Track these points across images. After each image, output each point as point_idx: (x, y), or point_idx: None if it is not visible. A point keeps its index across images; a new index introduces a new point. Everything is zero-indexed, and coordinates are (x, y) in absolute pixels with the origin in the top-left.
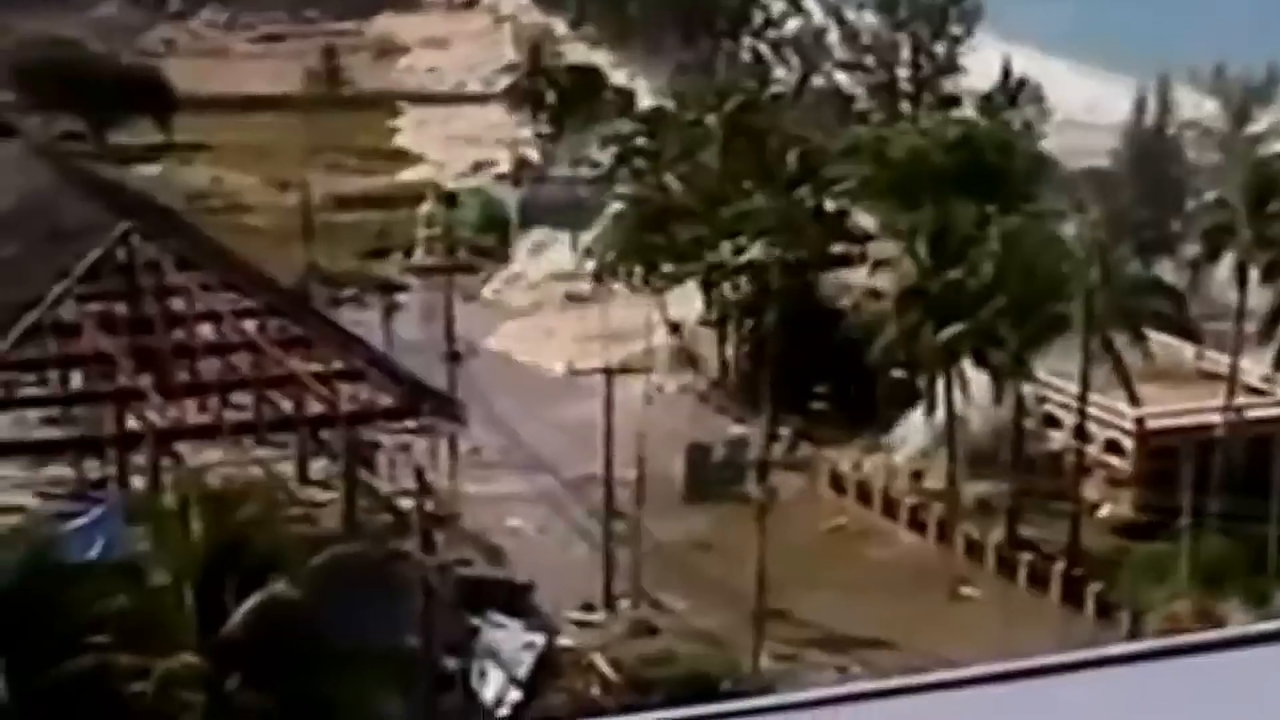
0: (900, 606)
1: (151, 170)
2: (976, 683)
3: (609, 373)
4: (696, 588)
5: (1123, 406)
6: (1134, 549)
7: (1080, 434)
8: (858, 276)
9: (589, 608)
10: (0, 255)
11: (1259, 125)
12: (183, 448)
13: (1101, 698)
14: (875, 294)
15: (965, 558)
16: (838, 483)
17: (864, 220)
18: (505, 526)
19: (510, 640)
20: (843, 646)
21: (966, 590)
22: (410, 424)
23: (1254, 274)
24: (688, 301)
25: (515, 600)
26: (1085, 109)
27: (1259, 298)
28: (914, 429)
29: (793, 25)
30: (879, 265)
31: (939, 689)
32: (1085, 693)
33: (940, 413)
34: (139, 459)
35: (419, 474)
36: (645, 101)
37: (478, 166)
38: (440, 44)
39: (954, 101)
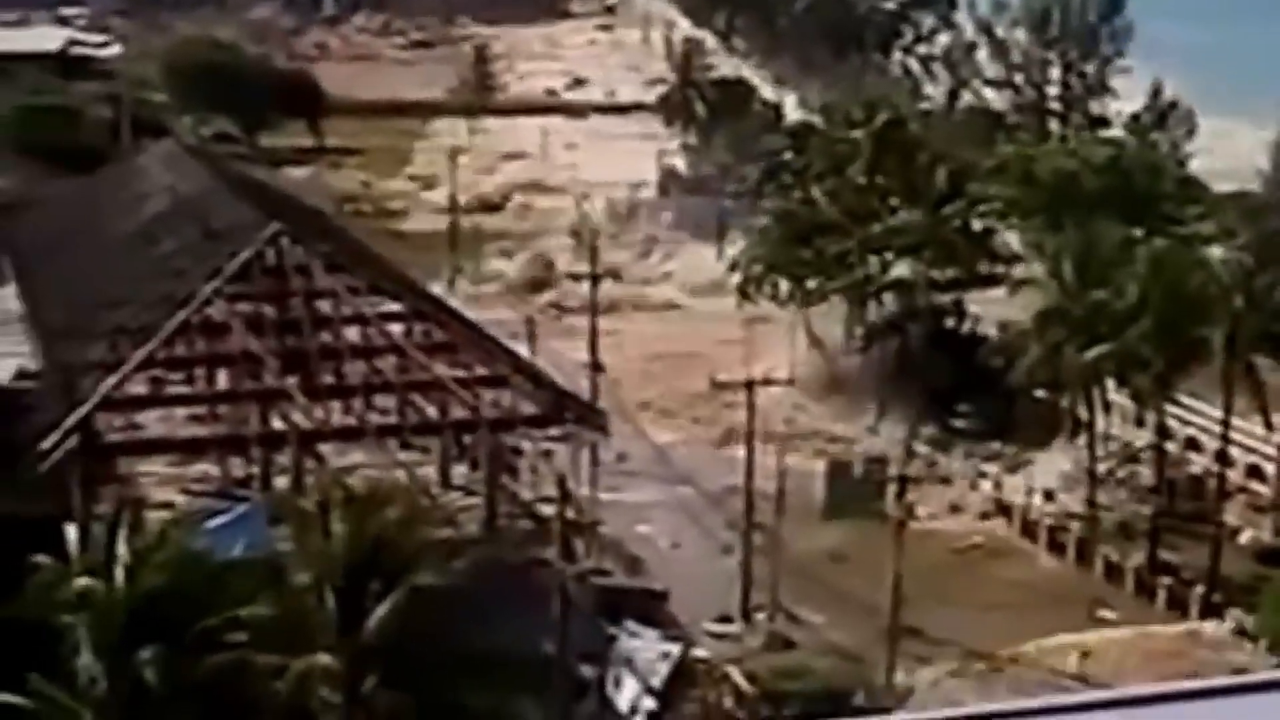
0: (1036, 627)
1: (301, 173)
2: (1063, 712)
3: (751, 385)
4: (832, 602)
5: (1265, 432)
6: (1275, 576)
7: (1222, 458)
8: (1002, 296)
9: (726, 619)
10: (154, 253)
11: None
12: (326, 449)
13: None
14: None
15: (1104, 580)
16: (979, 500)
17: (1011, 239)
18: (639, 534)
19: (646, 650)
20: (974, 663)
21: (1104, 613)
22: (553, 431)
23: None
24: (834, 317)
25: (651, 610)
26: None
27: None
28: (1056, 450)
29: (943, 41)
30: (1021, 284)
31: (1027, 715)
32: None
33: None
34: (283, 459)
35: (560, 481)
36: (793, 115)
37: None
38: (589, 54)
39: (1103, 122)
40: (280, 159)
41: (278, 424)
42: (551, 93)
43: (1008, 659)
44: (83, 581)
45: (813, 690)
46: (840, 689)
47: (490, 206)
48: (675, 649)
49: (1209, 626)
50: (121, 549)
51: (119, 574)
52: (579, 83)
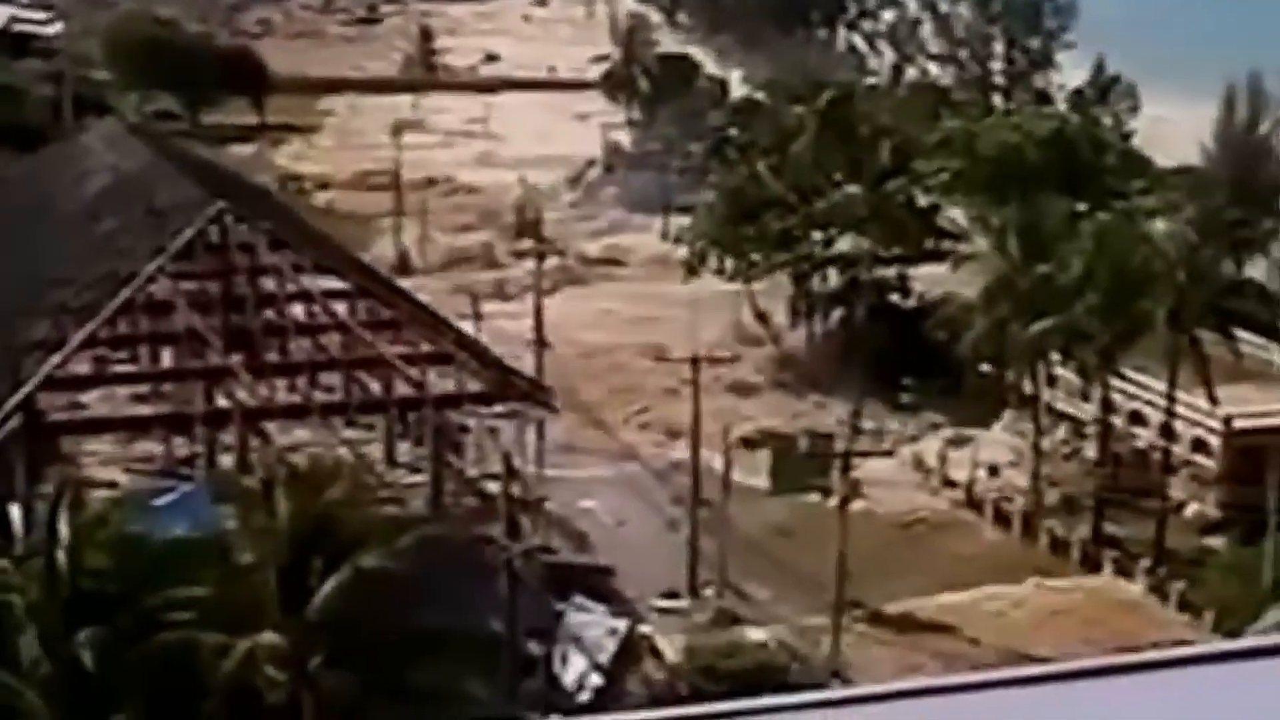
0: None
1: (245, 150)
2: (1011, 684)
3: (696, 361)
4: (779, 577)
5: (1209, 405)
6: (1219, 549)
7: (1167, 432)
8: (946, 271)
9: (673, 595)
10: (98, 231)
11: None
12: (271, 427)
13: (1127, 703)
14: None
15: (1050, 553)
16: (924, 475)
17: (955, 214)
18: (584, 510)
19: (593, 626)
20: (918, 635)
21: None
22: (499, 408)
23: None
24: (779, 293)
25: (598, 586)
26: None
27: None
28: (1002, 424)
29: (888, 16)
30: (965, 259)
31: (971, 690)
32: (1115, 697)
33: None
34: (227, 437)
35: (506, 459)
36: (738, 92)
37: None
38: (534, 30)
39: (1046, 97)
40: (223, 136)
41: (222, 402)
42: (494, 64)
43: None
44: (24, 561)
45: (746, 668)
46: (777, 665)
47: (433, 182)
48: (622, 625)
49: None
50: (63, 529)
51: (60, 554)
52: (523, 59)
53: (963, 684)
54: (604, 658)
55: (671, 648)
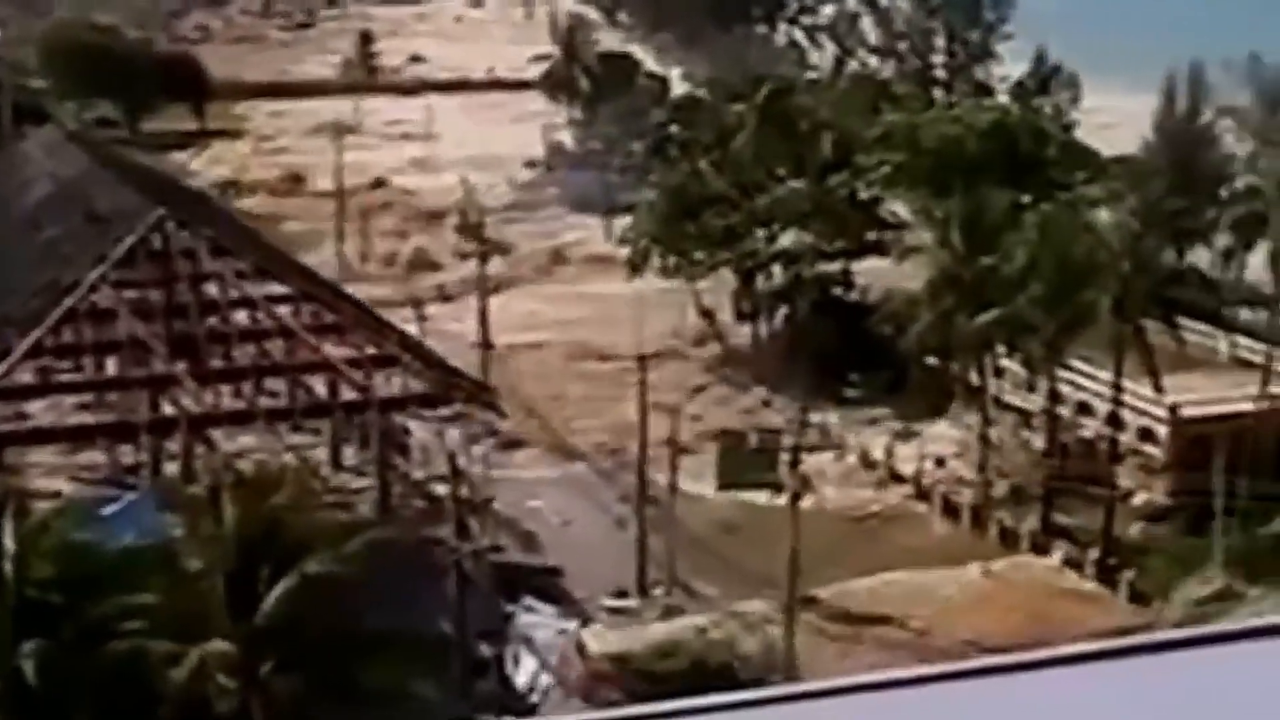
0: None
1: (184, 156)
2: (985, 674)
3: (642, 359)
4: (729, 574)
5: (1155, 394)
6: (1167, 537)
7: (1114, 421)
8: (890, 265)
9: (623, 594)
10: (38, 240)
11: None
12: (216, 434)
13: (1105, 690)
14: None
15: (999, 544)
16: (872, 469)
17: (898, 208)
18: (528, 510)
19: (543, 627)
20: (868, 629)
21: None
22: (444, 411)
23: None
24: (722, 289)
25: (547, 586)
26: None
27: None
28: (949, 417)
29: (828, 11)
30: (908, 252)
31: (948, 680)
32: (1088, 685)
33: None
34: (173, 445)
35: (452, 460)
36: (679, 89)
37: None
38: (472, 32)
39: (987, 89)
40: (163, 143)
41: (167, 410)
42: (428, 66)
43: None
44: None
45: (685, 668)
46: (720, 663)
47: (376, 185)
48: (573, 625)
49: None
50: (8, 539)
51: (6, 565)
52: (462, 61)
53: (940, 674)
54: (555, 658)
55: (602, 646)
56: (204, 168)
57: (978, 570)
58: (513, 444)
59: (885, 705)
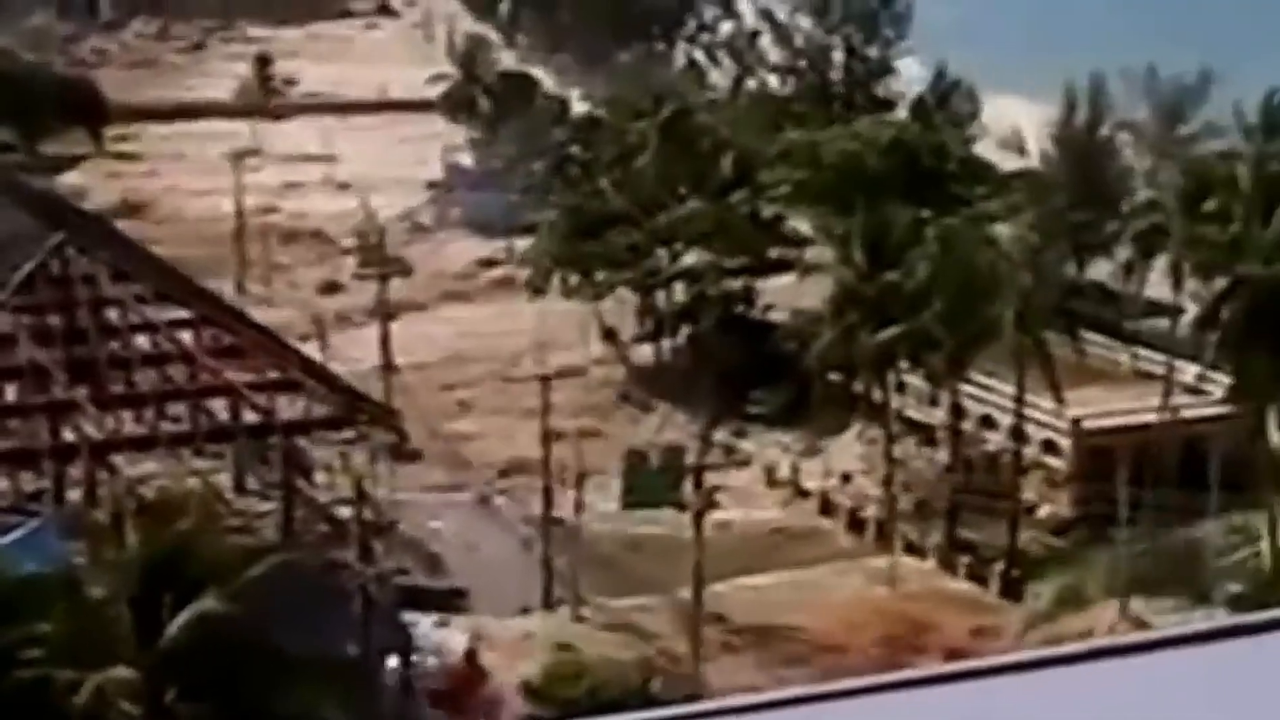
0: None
1: (83, 180)
2: (957, 679)
3: (545, 379)
4: (635, 592)
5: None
6: (1069, 550)
7: (1017, 435)
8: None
9: (527, 612)
10: None
11: (1191, 126)
12: (119, 460)
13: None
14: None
15: (906, 558)
16: (777, 486)
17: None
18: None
19: (448, 648)
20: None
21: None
22: (347, 433)
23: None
24: (626, 310)
25: (453, 607)
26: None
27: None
28: (853, 432)
29: (726, 29)
30: (810, 269)
31: (920, 685)
32: (1046, 689)
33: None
34: (75, 471)
35: (357, 484)
36: (579, 108)
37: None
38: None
39: (887, 104)
40: (60, 166)
41: (69, 436)
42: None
43: None
44: None
45: (588, 692)
46: (624, 683)
47: (273, 208)
48: (479, 645)
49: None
50: None
51: None
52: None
53: (918, 679)
54: (458, 679)
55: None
56: (101, 191)
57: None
58: (415, 465)
59: (883, 707)
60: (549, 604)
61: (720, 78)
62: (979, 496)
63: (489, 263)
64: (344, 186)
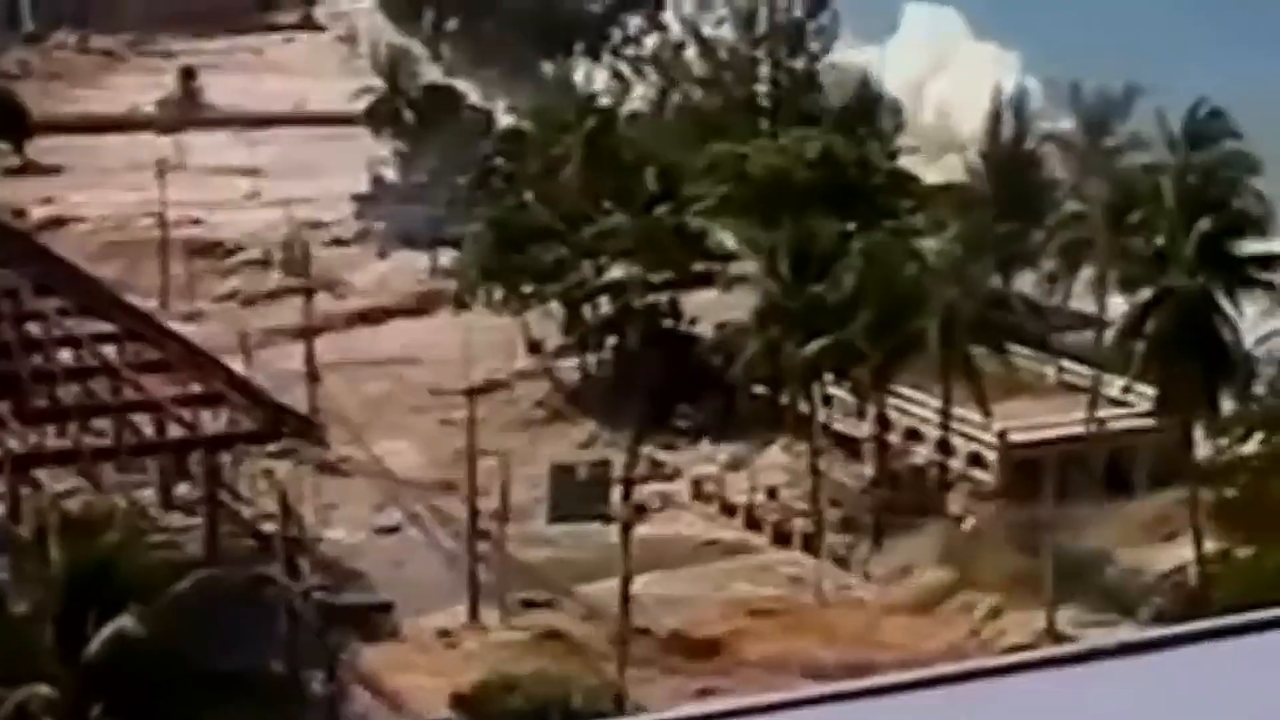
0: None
1: (5, 193)
2: (949, 681)
3: (471, 392)
4: (559, 603)
5: (984, 419)
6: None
7: (944, 448)
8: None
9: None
10: None
11: (1116, 139)
12: (42, 474)
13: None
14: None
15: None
16: (703, 500)
17: (727, 239)
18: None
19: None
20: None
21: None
22: (272, 447)
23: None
24: (551, 323)
25: (379, 622)
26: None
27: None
28: (778, 446)
29: (651, 43)
30: (733, 282)
31: (910, 689)
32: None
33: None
34: None
35: (282, 498)
36: (504, 121)
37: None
38: (293, 66)
39: (813, 118)
40: None
41: None
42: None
43: None
44: None
45: (519, 703)
46: (554, 698)
47: (197, 221)
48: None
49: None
50: None
51: None
52: (283, 95)
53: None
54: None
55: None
56: (23, 205)
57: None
58: (340, 480)
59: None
60: (475, 616)
61: (645, 91)
62: (905, 511)
63: (411, 276)
64: (268, 200)
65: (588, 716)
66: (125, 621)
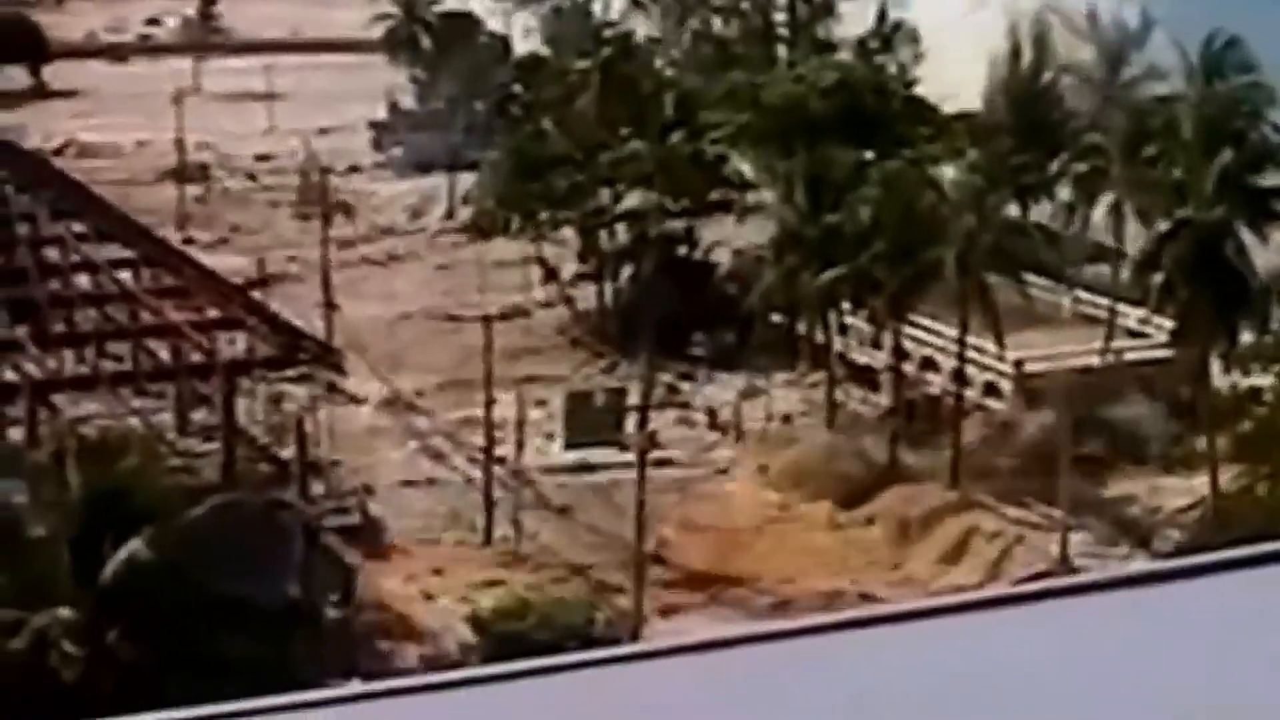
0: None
1: (22, 118)
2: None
3: (487, 319)
4: (578, 532)
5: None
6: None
7: (959, 378)
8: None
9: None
10: None
11: (1133, 70)
12: (60, 399)
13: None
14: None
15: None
16: (718, 429)
17: (743, 166)
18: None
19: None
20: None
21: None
22: (290, 372)
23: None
24: (567, 252)
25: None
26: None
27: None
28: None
29: None
30: (748, 211)
31: (895, 621)
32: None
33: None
34: (15, 411)
35: (299, 424)
36: (521, 47)
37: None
38: None
39: (830, 46)
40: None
41: (9, 375)
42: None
43: None
44: None
45: (533, 628)
46: (568, 624)
47: (215, 147)
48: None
49: None
50: None
51: None
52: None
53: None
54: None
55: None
56: (42, 130)
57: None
58: (356, 405)
59: (844, 644)
60: (489, 540)
61: (661, 18)
62: (920, 438)
63: (429, 202)
64: (287, 127)
65: (606, 642)
66: (136, 545)
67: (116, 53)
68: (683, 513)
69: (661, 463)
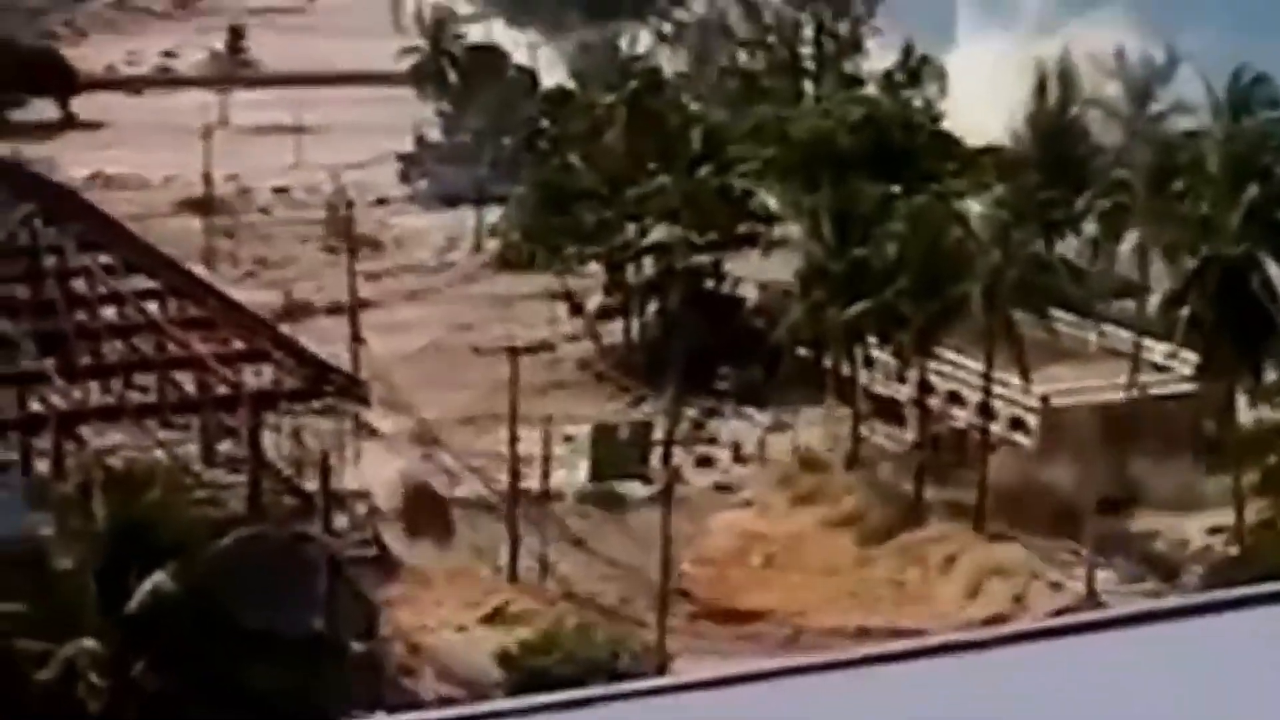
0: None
1: (51, 150)
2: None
3: (514, 351)
4: (602, 566)
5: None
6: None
7: (985, 412)
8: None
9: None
10: None
11: (1159, 105)
12: (86, 431)
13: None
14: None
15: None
16: (744, 462)
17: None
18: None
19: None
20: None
21: None
22: (315, 405)
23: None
24: (594, 286)
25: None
26: None
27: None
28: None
29: (697, 4)
30: (773, 245)
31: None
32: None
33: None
34: (42, 442)
35: (324, 457)
36: (548, 81)
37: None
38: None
39: (857, 81)
40: (29, 138)
41: (36, 407)
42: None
43: None
44: None
45: (559, 663)
46: (594, 659)
47: (241, 180)
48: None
49: None
50: None
51: None
52: (332, 55)
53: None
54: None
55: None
56: (70, 162)
57: None
58: (381, 437)
59: (859, 681)
60: (514, 576)
61: (689, 53)
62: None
63: (456, 236)
64: (315, 160)
65: (631, 677)
66: (161, 577)
67: (142, 85)
68: (704, 546)
69: (683, 496)
